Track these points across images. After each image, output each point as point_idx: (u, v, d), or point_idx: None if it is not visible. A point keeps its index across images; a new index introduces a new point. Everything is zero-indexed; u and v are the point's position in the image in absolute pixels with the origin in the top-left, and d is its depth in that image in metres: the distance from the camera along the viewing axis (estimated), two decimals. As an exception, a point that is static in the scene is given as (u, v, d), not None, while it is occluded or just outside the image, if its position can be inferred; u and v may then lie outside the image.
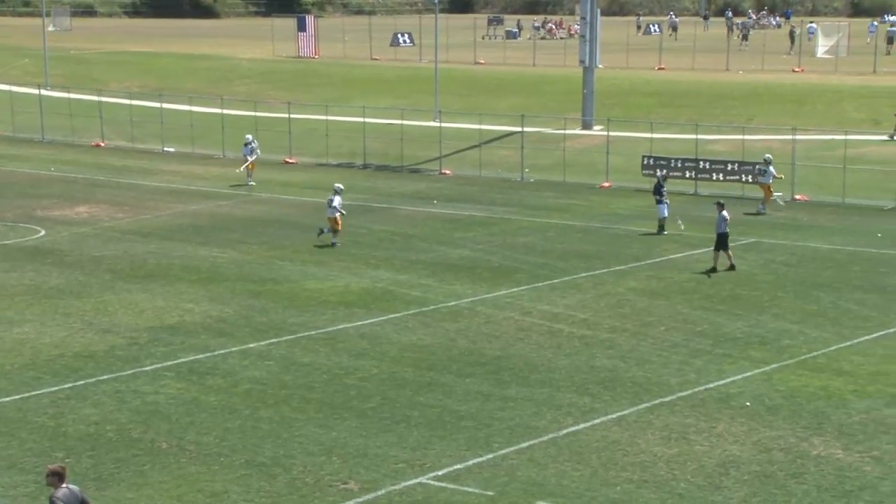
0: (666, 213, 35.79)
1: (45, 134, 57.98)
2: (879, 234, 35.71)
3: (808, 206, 40.32)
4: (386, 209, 40.24)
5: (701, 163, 43.85)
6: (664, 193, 36.06)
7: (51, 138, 57.77)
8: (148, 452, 18.85)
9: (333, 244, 33.93)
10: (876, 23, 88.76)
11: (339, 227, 34.37)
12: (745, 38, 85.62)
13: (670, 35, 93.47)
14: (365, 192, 43.75)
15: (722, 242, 31.15)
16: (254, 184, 44.50)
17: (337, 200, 34.43)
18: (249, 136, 45.87)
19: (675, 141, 49.31)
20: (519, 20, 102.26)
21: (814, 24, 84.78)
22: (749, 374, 22.80)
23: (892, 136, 47.12)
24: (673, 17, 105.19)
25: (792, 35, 79.34)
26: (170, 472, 18.13)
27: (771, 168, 39.49)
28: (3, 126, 59.29)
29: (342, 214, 34.46)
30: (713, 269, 30.99)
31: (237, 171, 45.55)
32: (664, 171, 40.95)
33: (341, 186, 35.76)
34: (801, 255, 32.46)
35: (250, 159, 44.96)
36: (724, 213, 31.27)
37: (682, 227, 35.20)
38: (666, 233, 35.38)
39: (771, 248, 34.06)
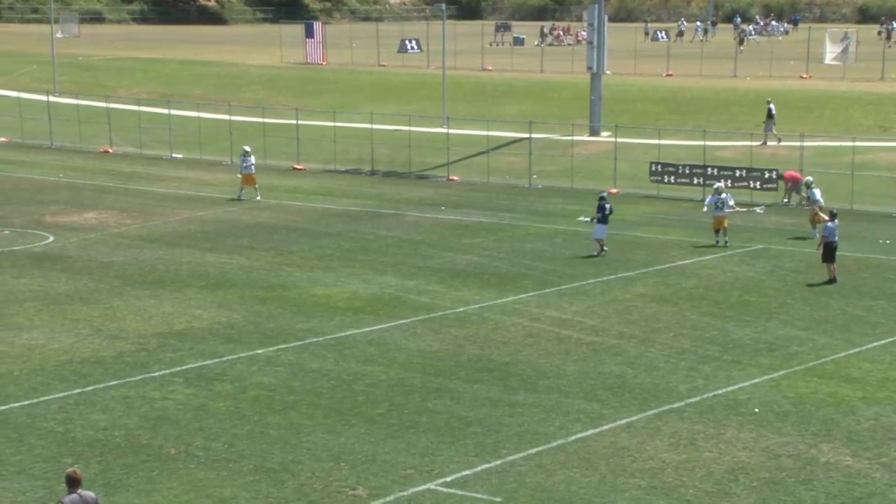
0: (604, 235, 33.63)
1: (54, 140, 58.13)
2: (887, 241, 35.65)
3: (817, 213, 40.22)
4: (393, 215, 40.27)
5: (709, 169, 43.82)
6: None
7: (59, 144, 57.92)
8: (156, 458, 18.87)
9: (725, 243, 34.65)
10: None
11: (726, 226, 34.95)
12: (741, 42, 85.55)
13: (676, 41, 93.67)
14: (372, 198, 43.80)
15: (830, 253, 30.33)
16: (243, 198, 42.74)
17: (730, 200, 35.22)
18: (247, 148, 44.15)
19: (683, 147, 49.32)
20: (543, 27, 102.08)
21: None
22: (757, 380, 22.77)
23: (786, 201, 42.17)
24: (683, 23, 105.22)
25: None
26: (178, 477, 18.14)
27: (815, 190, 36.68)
28: (12, 132, 59.46)
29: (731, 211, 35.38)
30: (832, 280, 30.27)
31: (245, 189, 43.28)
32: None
33: (722, 185, 36.52)
34: (810, 261, 32.40)
35: (243, 173, 43.14)
36: (835, 222, 30.48)
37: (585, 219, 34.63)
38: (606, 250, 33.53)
39: (779, 254, 34.02)
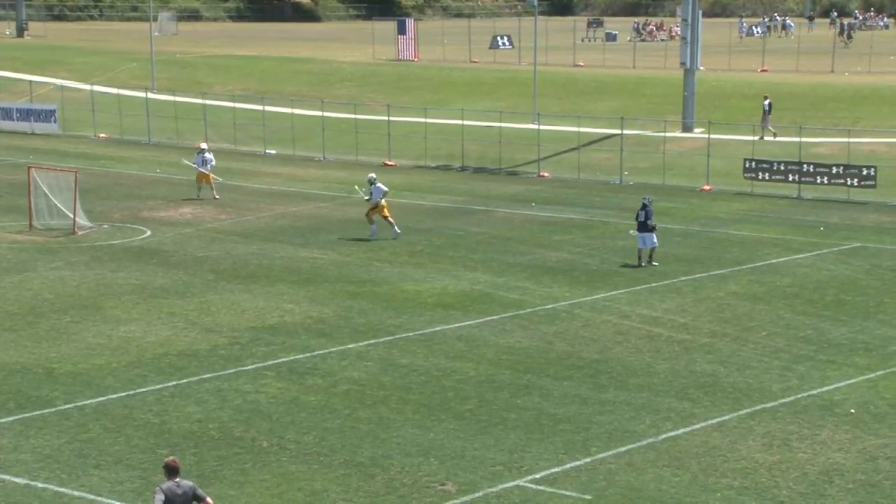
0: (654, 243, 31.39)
1: (151, 136, 59.19)
2: None
3: (916, 211, 39.39)
4: (484, 212, 40.30)
5: (804, 166, 43.13)
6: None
7: (156, 140, 58.94)
8: (249, 451, 19.13)
9: None
10: None
11: None
12: (849, 37, 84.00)
13: (780, 35, 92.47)
14: (463, 194, 43.87)
15: None
16: (202, 198, 41.88)
17: None
18: (204, 145, 43.12)
19: (778, 144, 48.58)
20: (635, 22, 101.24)
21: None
22: (854, 380, 22.36)
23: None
24: (786, 19, 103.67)
25: None
26: (270, 470, 18.38)
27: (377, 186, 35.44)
28: (112, 129, 60.68)
29: None
30: None
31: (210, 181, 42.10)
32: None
33: None
34: (909, 260, 31.72)
35: (201, 169, 42.08)
36: None
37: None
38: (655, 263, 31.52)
39: (877, 252, 33.36)
